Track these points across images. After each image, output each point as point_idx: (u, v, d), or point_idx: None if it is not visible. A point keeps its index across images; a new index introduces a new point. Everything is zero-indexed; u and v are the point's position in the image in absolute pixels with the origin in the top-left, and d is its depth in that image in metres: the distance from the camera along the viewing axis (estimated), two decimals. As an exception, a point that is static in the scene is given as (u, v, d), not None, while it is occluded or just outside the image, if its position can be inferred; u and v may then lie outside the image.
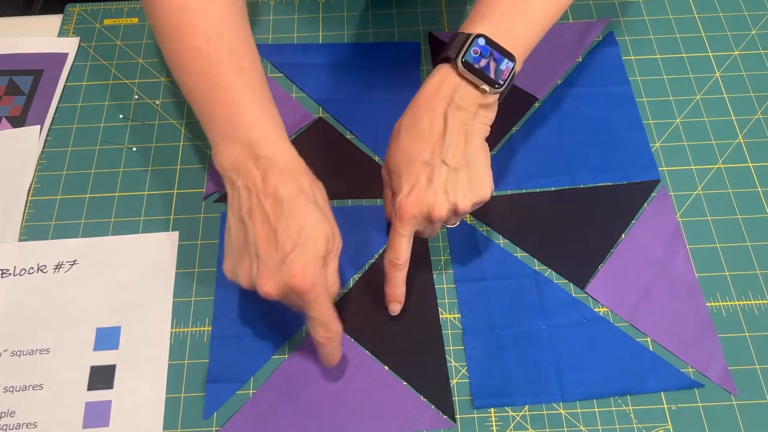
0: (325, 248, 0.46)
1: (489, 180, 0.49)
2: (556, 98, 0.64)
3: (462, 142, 0.47)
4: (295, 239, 0.45)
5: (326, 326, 0.47)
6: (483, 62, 0.47)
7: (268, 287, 0.45)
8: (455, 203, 0.47)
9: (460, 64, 0.47)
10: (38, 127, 0.62)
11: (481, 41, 0.47)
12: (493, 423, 0.50)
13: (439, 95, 0.48)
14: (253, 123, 0.48)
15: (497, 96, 0.49)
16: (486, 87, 0.47)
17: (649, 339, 0.52)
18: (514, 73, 0.48)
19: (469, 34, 0.48)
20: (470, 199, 0.48)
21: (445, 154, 0.47)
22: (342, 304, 0.54)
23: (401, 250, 0.49)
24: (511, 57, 0.48)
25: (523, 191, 0.59)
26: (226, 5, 0.50)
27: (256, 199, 0.46)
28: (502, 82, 0.47)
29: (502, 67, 0.47)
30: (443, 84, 0.48)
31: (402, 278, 0.51)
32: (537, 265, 0.56)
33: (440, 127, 0.47)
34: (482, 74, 0.47)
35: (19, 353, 0.52)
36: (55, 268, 0.55)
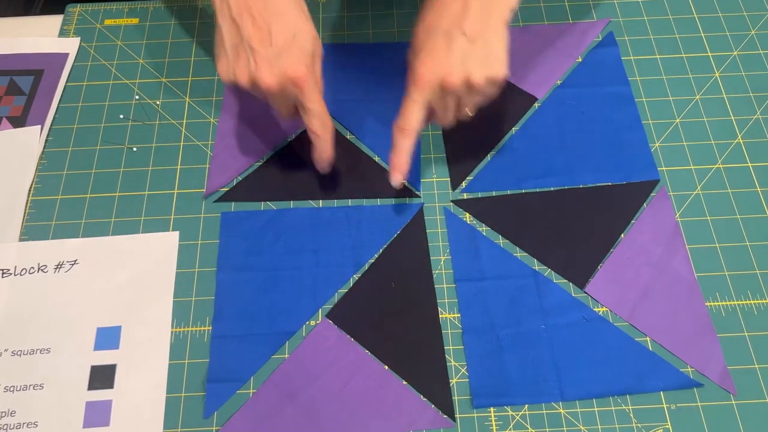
0: (312, 46, 0.50)
1: (504, 59, 0.49)
2: (556, 98, 0.64)
3: (483, 17, 0.49)
4: (287, 36, 0.49)
5: (320, 117, 0.52)
6: None
7: (268, 78, 0.49)
8: (469, 74, 0.48)
9: None
10: (39, 127, 0.62)
11: None
12: (493, 422, 0.50)
13: None
14: None
15: None
16: None
17: (648, 339, 0.52)
18: None
19: None
20: (484, 72, 0.49)
21: (465, 25, 0.48)
22: (342, 304, 0.54)
23: (411, 116, 0.50)
24: None
25: (523, 191, 0.59)
26: None
27: (250, 3, 0.49)
28: None
29: None
30: None
31: (408, 146, 0.52)
32: (537, 265, 0.56)
33: (462, 2, 0.49)
34: None
35: (19, 353, 0.52)
36: (56, 268, 0.55)
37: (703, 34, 0.68)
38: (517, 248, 0.57)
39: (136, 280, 0.55)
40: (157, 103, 0.64)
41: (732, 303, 0.54)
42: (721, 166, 0.60)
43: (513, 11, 0.50)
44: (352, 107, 0.64)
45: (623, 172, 0.60)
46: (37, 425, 0.49)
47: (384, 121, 0.63)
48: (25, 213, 0.58)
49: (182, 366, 0.52)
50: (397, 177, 0.53)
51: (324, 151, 0.54)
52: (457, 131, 0.62)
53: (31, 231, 0.57)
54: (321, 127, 0.52)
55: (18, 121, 0.63)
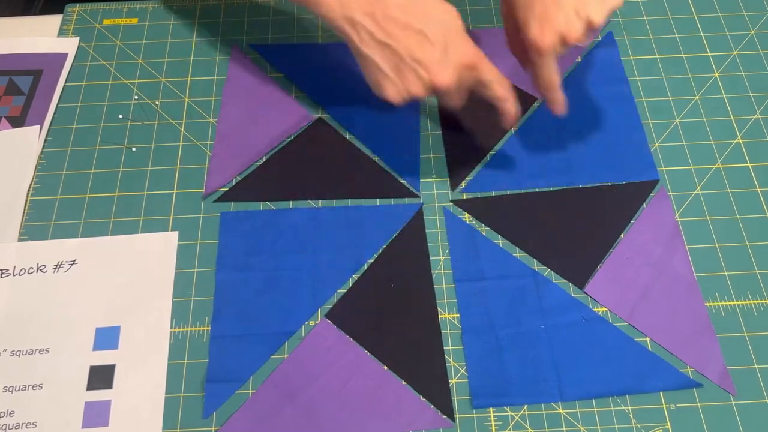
0: (460, 20, 0.50)
1: None
2: (556, 98, 0.64)
3: None
4: (440, 27, 0.48)
5: (502, 82, 0.51)
6: None
7: (446, 79, 0.48)
8: (589, 20, 0.49)
9: None
10: (38, 127, 0.62)
11: None
12: (492, 423, 0.50)
13: None
14: None
15: None
16: None
17: (648, 339, 0.52)
18: None
19: None
20: (603, 11, 0.49)
21: None
22: (341, 304, 0.54)
23: (553, 77, 0.52)
24: None
25: (523, 191, 0.59)
26: None
27: (383, 18, 0.48)
28: None
29: None
30: None
31: (561, 96, 0.54)
32: (536, 265, 0.56)
33: None
34: None
35: (18, 353, 0.52)
36: (55, 268, 0.55)
37: (702, 34, 0.68)
38: (517, 248, 0.57)
39: (135, 280, 0.55)
40: (157, 103, 0.64)
41: (731, 303, 0.54)
42: (720, 166, 0.60)
43: None
44: (352, 107, 0.64)
45: (623, 172, 0.60)
46: (35, 425, 0.49)
47: (384, 121, 0.63)
48: (24, 213, 0.58)
49: (181, 366, 0.52)
50: (560, 107, 0.55)
51: (512, 110, 0.54)
52: (456, 131, 0.62)
53: (30, 231, 0.57)
54: (505, 89, 0.52)
55: (17, 121, 0.63)
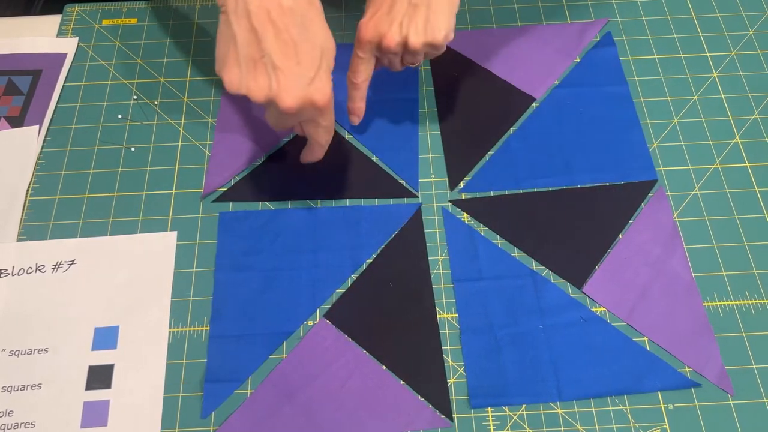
0: (332, 61, 0.48)
1: (445, 25, 0.50)
2: (554, 98, 0.64)
3: None
4: (315, 54, 0.46)
5: (330, 130, 0.52)
6: None
7: (290, 102, 0.46)
8: (406, 37, 0.50)
9: None
10: (37, 127, 0.62)
11: None
12: (491, 423, 0.50)
13: None
14: None
15: None
16: None
17: (646, 339, 0.52)
18: None
19: None
20: (421, 37, 0.50)
21: None
22: (340, 304, 0.54)
23: (358, 70, 0.53)
24: None
25: (521, 191, 0.59)
26: None
27: (270, 8, 0.45)
28: None
29: None
30: None
31: (359, 95, 0.55)
32: (534, 265, 0.56)
33: None
34: None
35: (17, 353, 0.52)
36: (54, 268, 0.55)
37: (701, 34, 0.68)
38: (515, 248, 0.57)
39: (134, 280, 0.55)
40: (156, 103, 0.64)
41: (730, 303, 0.54)
42: (719, 166, 0.60)
43: None
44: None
45: (621, 172, 0.60)
46: (34, 425, 0.49)
47: (383, 121, 0.63)
48: (23, 213, 0.58)
49: (180, 366, 0.52)
50: (354, 119, 0.57)
51: (319, 155, 0.56)
52: (455, 131, 0.62)
53: (29, 231, 0.57)
54: (329, 138, 0.53)
55: (16, 121, 0.63)
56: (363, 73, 0.54)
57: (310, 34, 0.46)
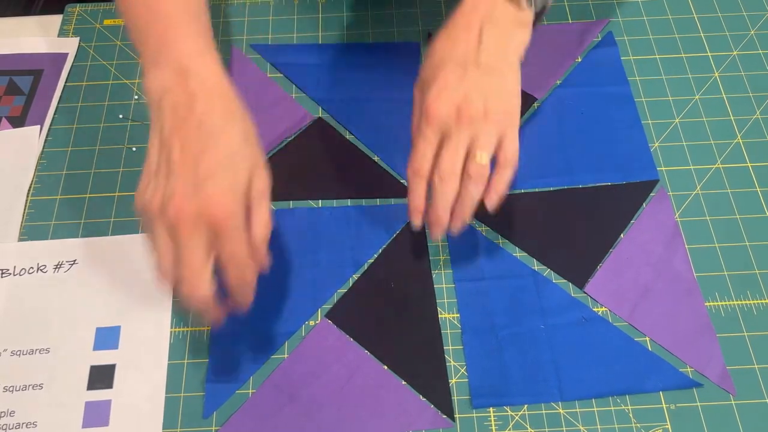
0: (246, 181, 0.43)
1: (519, 94, 0.48)
2: (556, 98, 0.64)
3: (497, 50, 0.47)
4: (216, 166, 0.41)
5: (240, 266, 0.43)
6: None
7: (180, 209, 0.40)
8: (486, 101, 0.45)
9: None
10: (38, 127, 0.62)
11: None
12: (492, 423, 0.50)
13: (477, 11, 0.48)
14: (184, 38, 0.45)
15: (532, 14, 0.49)
16: (524, 1, 0.47)
17: (647, 339, 0.52)
18: None
19: None
20: (502, 102, 0.46)
21: (480, 57, 0.46)
22: (341, 304, 0.54)
23: (424, 157, 0.47)
24: None
25: (522, 191, 0.59)
26: None
27: (181, 123, 0.43)
28: None
29: None
30: (481, 1, 0.48)
31: (424, 188, 0.48)
32: (536, 265, 0.56)
33: (476, 36, 0.47)
34: None
35: (18, 353, 0.52)
36: (55, 268, 0.55)
37: (702, 34, 0.68)
38: (517, 248, 0.57)
39: (135, 280, 0.55)
40: (157, 103, 0.64)
41: (731, 303, 0.54)
42: (720, 166, 0.60)
43: (526, 48, 0.49)
44: (351, 107, 0.64)
45: (623, 172, 0.60)
46: (36, 425, 0.49)
47: (383, 121, 0.63)
48: (24, 213, 0.58)
49: (181, 366, 0.52)
50: (418, 219, 0.49)
51: (240, 299, 0.45)
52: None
53: (31, 231, 0.57)
54: (239, 276, 0.43)
55: (17, 121, 0.63)
56: (428, 159, 0.46)
57: (217, 141, 0.42)
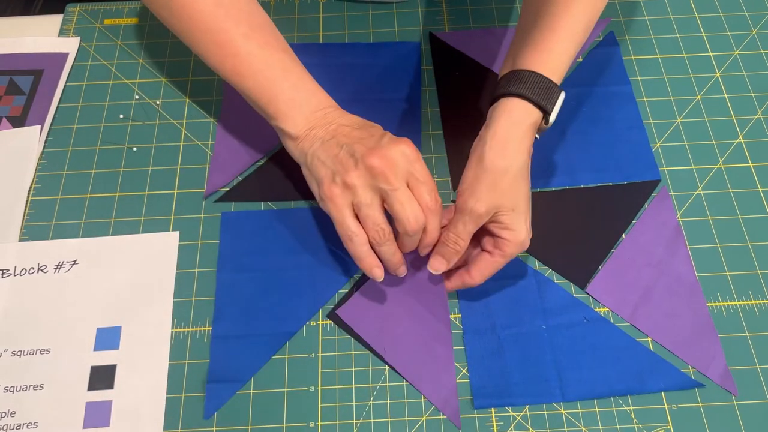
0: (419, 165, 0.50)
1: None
2: (557, 98, 0.64)
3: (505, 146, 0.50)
4: (389, 141, 0.49)
5: (429, 183, 0.50)
6: None
7: (375, 158, 0.47)
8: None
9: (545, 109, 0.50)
10: (38, 127, 0.62)
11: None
12: (494, 423, 0.50)
13: (528, 134, 0.50)
14: (314, 87, 0.54)
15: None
16: (551, 118, 0.51)
17: (649, 339, 0.52)
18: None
19: (556, 87, 0.51)
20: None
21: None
22: (342, 304, 0.54)
23: (466, 240, 0.50)
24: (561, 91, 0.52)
25: (524, 191, 0.59)
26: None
27: (341, 131, 0.51)
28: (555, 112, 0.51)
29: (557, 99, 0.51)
30: (529, 117, 0.50)
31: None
32: (537, 265, 0.56)
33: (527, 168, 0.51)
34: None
35: (19, 353, 0.52)
36: (56, 268, 0.55)
37: (704, 34, 0.68)
38: (518, 248, 0.56)
39: (136, 280, 0.55)
40: (157, 102, 0.64)
41: (733, 303, 0.54)
42: (722, 166, 0.60)
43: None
44: (351, 107, 0.63)
45: (624, 172, 0.60)
46: (37, 426, 0.49)
47: (384, 121, 0.63)
48: (24, 213, 0.58)
49: (182, 366, 0.52)
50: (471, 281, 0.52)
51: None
52: (458, 131, 0.62)
53: (31, 231, 0.57)
54: (435, 197, 0.50)
55: (18, 121, 0.63)
56: (468, 241, 0.50)
57: (378, 133, 0.51)
